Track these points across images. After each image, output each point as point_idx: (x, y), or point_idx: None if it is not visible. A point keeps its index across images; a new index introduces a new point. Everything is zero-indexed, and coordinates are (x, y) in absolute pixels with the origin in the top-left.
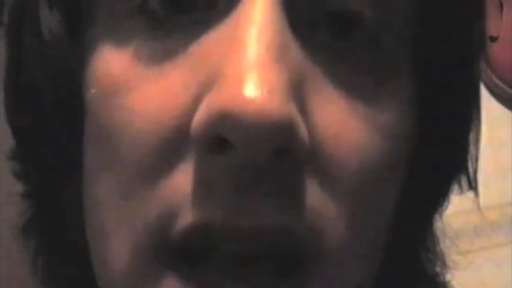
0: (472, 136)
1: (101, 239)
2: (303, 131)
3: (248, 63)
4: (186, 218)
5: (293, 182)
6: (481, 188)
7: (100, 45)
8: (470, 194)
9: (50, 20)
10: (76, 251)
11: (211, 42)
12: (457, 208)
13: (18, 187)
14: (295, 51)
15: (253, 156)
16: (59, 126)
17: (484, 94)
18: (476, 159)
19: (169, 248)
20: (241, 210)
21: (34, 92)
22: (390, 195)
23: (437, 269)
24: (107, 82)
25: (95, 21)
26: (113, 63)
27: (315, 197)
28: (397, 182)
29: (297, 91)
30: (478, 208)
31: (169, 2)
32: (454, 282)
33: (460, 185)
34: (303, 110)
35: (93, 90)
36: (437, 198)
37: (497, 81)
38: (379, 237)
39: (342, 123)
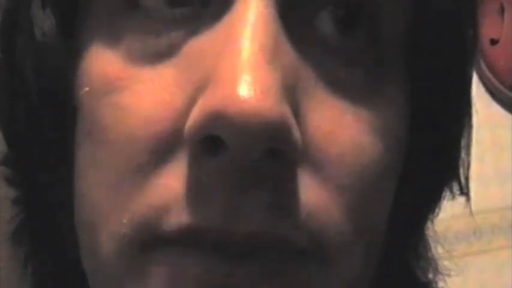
0: (463, 142)
1: (90, 232)
2: (295, 131)
3: (242, 63)
4: (176, 220)
5: (287, 183)
6: (482, 191)
7: (93, 43)
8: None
9: (42, 21)
10: (68, 255)
11: (205, 41)
12: (458, 211)
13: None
14: (289, 53)
15: (245, 156)
16: (50, 126)
17: (485, 98)
18: (468, 165)
19: (156, 243)
20: (234, 216)
21: (26, 94)
22: (385, 197)
23: (430, 276)
24: (99, 81)
25: (87, 20)
26: (105, 61)
27: (311, 195)
28: (392, 185)
29: (290, 93)
30: (471, 214)
31: None
32: (453, 285)
33: (452, 192)
34: (296, 111)
35: (86, 89)
36: (428, 205)
37: (498, 85)
38: (377, 236)
39: (335, 122)
